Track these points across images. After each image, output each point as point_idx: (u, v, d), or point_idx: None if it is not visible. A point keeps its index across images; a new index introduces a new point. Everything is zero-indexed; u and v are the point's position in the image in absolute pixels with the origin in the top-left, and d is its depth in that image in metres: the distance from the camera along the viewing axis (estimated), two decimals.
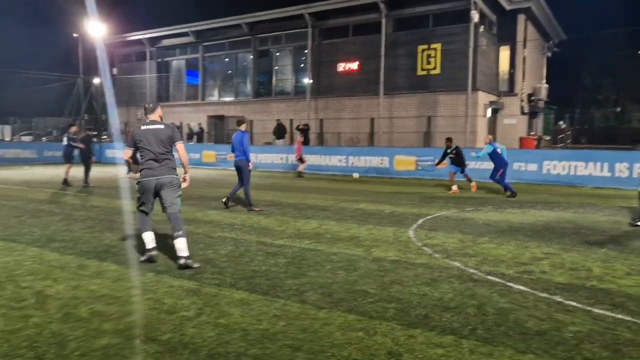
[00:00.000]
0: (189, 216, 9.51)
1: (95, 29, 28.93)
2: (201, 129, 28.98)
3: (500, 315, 4.27)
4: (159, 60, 32.52)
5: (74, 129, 15.81)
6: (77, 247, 6.74)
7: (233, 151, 10.42)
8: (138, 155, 6.06)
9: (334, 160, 22.10)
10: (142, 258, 6.01)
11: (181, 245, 5.69)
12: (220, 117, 29.81)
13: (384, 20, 23.75)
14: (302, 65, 27.50)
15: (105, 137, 34.22)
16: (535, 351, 3.58)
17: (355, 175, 20.49)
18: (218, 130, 29.62)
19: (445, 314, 4.28)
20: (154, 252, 5.96)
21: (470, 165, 16.63)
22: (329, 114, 25.66)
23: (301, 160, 20.65)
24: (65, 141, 15.32)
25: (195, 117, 30.22)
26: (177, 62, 32.38)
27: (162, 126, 5.91)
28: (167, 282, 5.16)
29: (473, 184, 14.86)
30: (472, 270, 5.73)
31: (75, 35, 34.46)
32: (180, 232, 5.75)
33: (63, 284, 5.05)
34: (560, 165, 17.12)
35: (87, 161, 15.52)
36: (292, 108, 26.97)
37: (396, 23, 24.20)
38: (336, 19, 25.53)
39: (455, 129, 22.59)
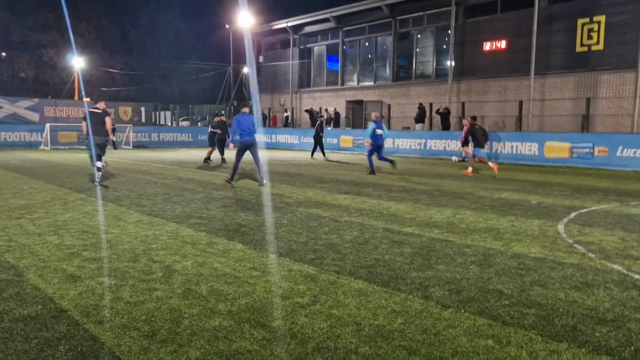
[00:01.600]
0: (320, 199, 9.47)
1: (245, 20, 30.55)
2: (337, 113, 29.14)
3: None
4: (302, 47, 33.38)
5: (217, 119, 17.56)
6: (210, 225, 6.98)
7: (233, 133, 11.46)
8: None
9: None
10: (97, 180, 10.91)
11: (99, 174, 10.90)
12: (359, 102, 29.75)
13: None
14: (444, 46, 26.23)
15: None
16: None
17: (454, 158, 19.61)
18: (356, 115, 29.61)
19: (600, 328, 3.54)
20: (100, 165, 11.01)
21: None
22: (472, 96, 24.17)
23: (466, 144, 19.90)
24: (210, 128, 18.26)
25: (334, 102, 30.55)
26: (319, 48, 32.94)
27: (100, 111, 11.17)
28: (287, 265, 5.04)
29: (469, 169, 14.61)
30: (636, 276, 4.77)
31: (227, 26, 36.81)
32: (102, 167, 11.11)
33: (190, 260, 5.18)
34: None
35: (221, 143, 17.42)
36: (433, 91, 25.90)
37: None
38: None
39: (620, 112, 19.90)
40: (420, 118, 24.38)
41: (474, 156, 14.71)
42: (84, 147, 10.85)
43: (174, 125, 38.45)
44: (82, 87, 39.60)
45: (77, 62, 41.49)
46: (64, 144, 26.18)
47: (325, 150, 21.38)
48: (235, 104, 37.98)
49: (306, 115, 31.12)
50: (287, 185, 11.59)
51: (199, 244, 5.89)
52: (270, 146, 29.94)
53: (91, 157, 11.04)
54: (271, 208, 8.45)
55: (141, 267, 4.89)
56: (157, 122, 35.10)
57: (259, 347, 3.18)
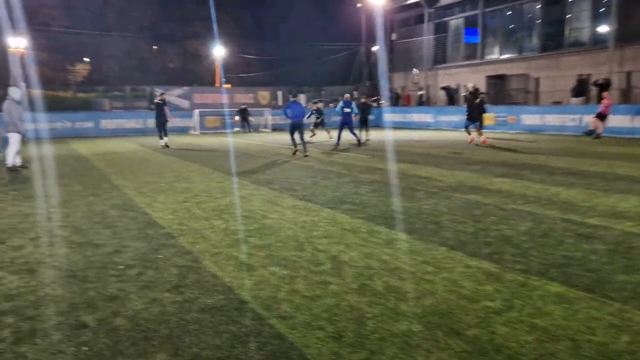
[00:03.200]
0: (474, 183, 8.80)
1: None
2: (476, 89, 27.36)
3: None
4: (437, 21, 31.91)
5: (314, 105, 21.34)
6: (366, 211, 6.72)
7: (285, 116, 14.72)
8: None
9: None
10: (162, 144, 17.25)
11: (163, 141, 17.27)
12: (501, 77, 27.75)
13: None
14: (602, 9, 23.30)
15: (383, 102, 35.66)
16: None
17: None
18: (498, 90, 27.68)
19: None
20: (163, 142, 17.32)
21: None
22: None
23: (601, 118, 18.04)
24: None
25: (473, 78, 28.82)
26: (455, 22, 31.23)
27: (161, 102, 17.13)
28: (461, 260, 4.59)
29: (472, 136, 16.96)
30: None
31: (358, 5, 36.44)
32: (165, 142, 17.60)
33: (356, 250, 4.95)
34: None
35: (364, 124, 18.69)
36: (588, 61, 23.20)
37: None
38: None
39: None
40: (579, 91, 21.96)
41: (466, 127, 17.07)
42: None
43: (307, 107, 39.28)
44: (223, 75, 41.90)
45: (218, 51, 44.01)
46: (211, 128, 27.94)
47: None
48: (366, 85, 37.64)
49: (442, 93, 29.85)
50: (434, 168, 11.02)
51: (359, 232, 5.66)
52: (404, 126, 29.23)
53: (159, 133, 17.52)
54: (424, 193, 7.99)
55: (308, 257, 4.76)
56: None
57: None
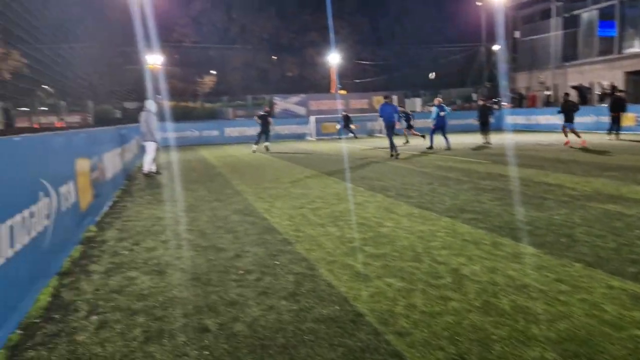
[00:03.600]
0: (612, 192, 7.92)
1: None
2: (613, 87, 24.92)
3: None
4: (566, 15, 29.58)
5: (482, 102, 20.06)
6: (488, 221, 6.31)
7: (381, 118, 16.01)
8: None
9: None
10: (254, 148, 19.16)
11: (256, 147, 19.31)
12: None
13: None
14: None
15: (503, 104, 33.81)
16: None
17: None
18: (639, 87, 24.92)
19: None
20: (255, 148, 19.25)
21: None
22: None
23: None
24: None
25: (608, 75, 26.28)
26: (588, 14, 28.70)
27: (266, 114, 19.48)
28: (602, 279, 4.08)
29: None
30: None
31: (478, 3, 35.01)
32: (258, 148, 19.34)
33: (478, 264, 4.63)
34: None
35: (484, 127, 18.86)
36: None
37: None
38: None
39: None
40: None
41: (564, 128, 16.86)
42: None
43: (424, 111, 38.53)
44: (338, 81, 42.50)
45: (333, 58, 44.78)
46: (326, 134, 28.43)
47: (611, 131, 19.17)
48: (487, 86, 35.97)
49: (572, 93, 27.59)
50: (564, 174, 10.12)
51: (481, 243, 5.30)
52: (528, 128, 27.46)
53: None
54: (554, 202, 7.34)
55: (426, 269, 4.54)
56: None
57: None
